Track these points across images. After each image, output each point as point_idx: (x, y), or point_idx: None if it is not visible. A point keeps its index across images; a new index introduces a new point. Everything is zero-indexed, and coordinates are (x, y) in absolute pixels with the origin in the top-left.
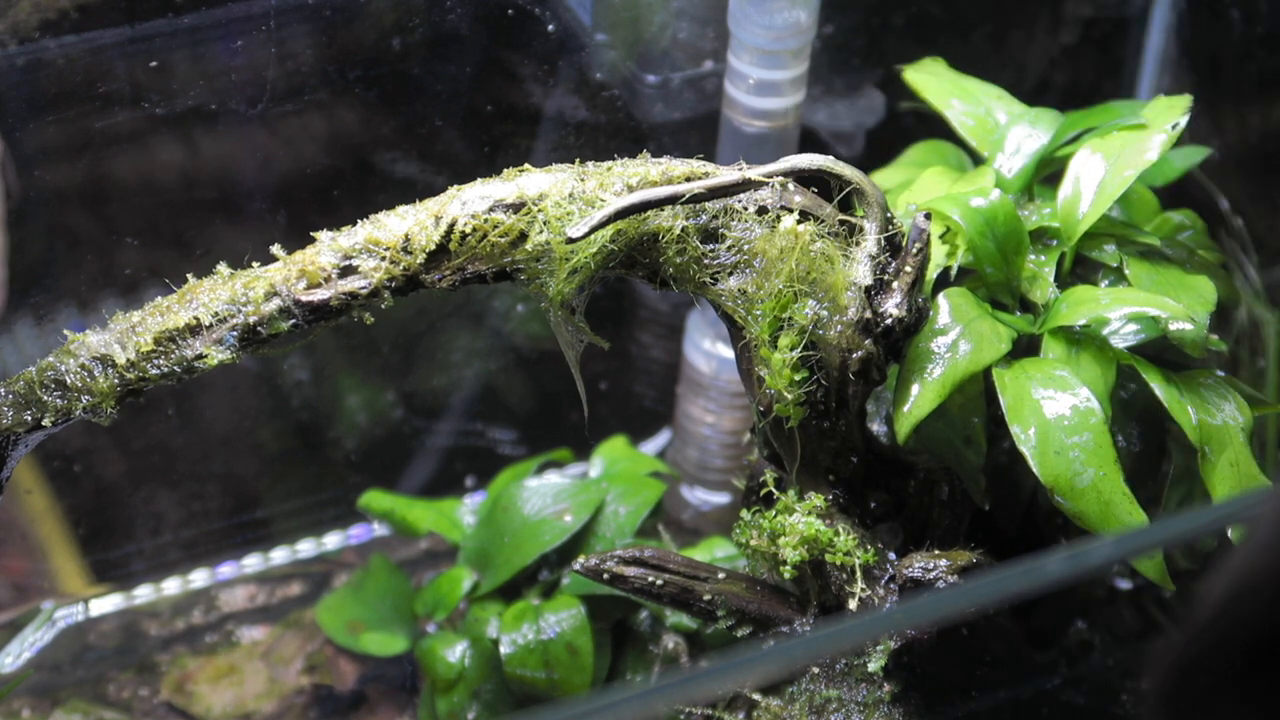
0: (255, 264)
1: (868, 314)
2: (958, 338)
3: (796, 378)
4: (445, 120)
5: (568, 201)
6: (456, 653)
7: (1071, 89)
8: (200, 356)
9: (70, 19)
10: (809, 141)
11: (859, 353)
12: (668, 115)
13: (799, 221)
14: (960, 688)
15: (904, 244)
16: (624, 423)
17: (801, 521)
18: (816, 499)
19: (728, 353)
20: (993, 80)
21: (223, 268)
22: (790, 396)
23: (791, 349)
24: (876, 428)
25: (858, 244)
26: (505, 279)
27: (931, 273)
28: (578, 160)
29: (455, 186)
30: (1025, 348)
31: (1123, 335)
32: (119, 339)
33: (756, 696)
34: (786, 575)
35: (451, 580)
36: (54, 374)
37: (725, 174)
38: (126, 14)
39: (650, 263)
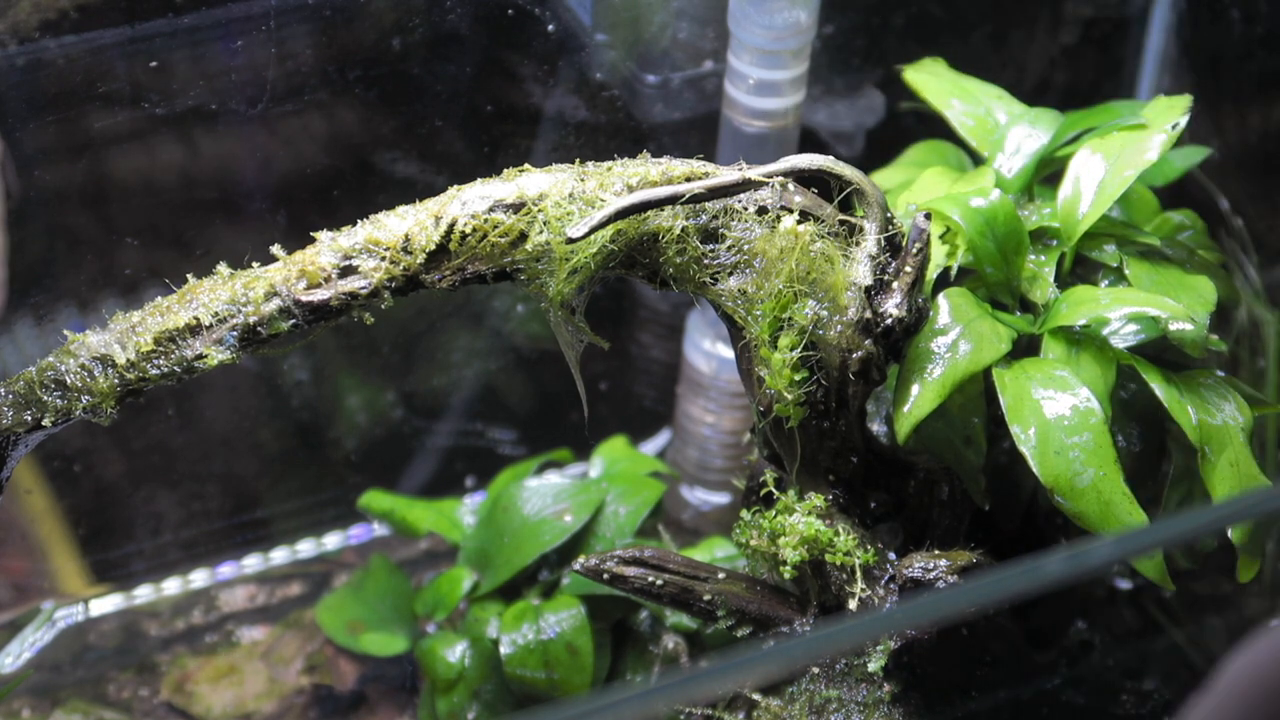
0: (255, 264)
1: (868, 314)
2: (958, 338)
3: (796, 378)
4: (445, 120)
5: (568, 201)
6: (456, 653)
7: (1071, 89)
8: (200, 356)
9: (70, 19)
10: (809, 141)
11: (859, 353)
12: (668, 115)
13: (799, 221)
14: (960, 688)
15: (904, 244)
16: (624, 423)
17: (801, 521)
18: (816, 499)
19: (728, 353)
20: (993, 80)
21: (223, 268)
22: (790, 396)
23: (791, 349)
24: (876, 428)
25: (858, 244)
26: (505, 279)
27: (931, 273)
28: (578, 160)
29: (455, 186)
30: (1025, 348)
31: (1123, 335)
32: (119, 339)
33: (756, 696)
34: (786, 575)
35: (451, 580)
36: (54, 374)
37: (725, 174)
38: (126, 14)
39: (650, 263)
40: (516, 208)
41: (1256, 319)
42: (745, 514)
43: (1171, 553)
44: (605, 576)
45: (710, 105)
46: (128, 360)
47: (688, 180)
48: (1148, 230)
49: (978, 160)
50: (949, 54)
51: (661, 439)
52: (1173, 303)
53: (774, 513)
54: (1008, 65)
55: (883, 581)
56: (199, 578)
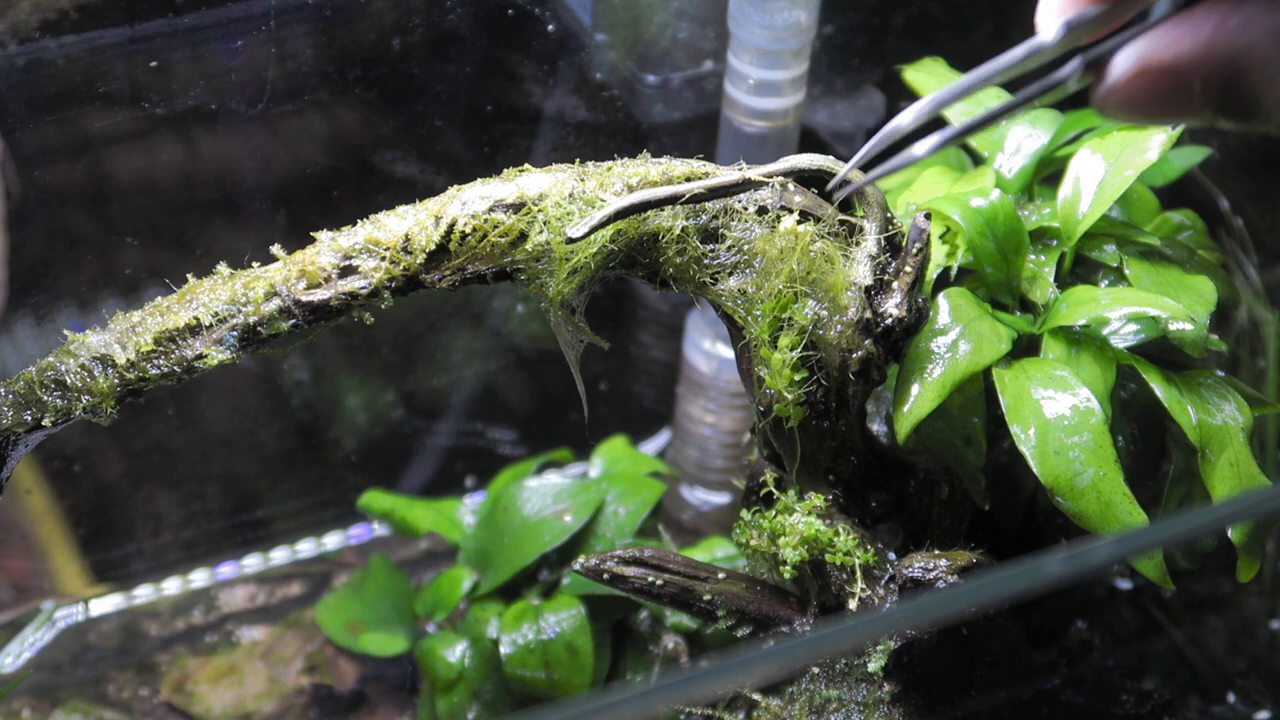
0: (255, 264)
1: (868, 314)
2: (958, 338)
3: (796, 378)
4: (445, 120)
5: (568, 201)
6: (456, 653)
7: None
8: (200, 356)
9: (70, 19)
10: (809, 141)
11: (859, 353)
12: (668, 115)
13: (799, 221)
14: (960, 688)
15: (904, 244)
16: (624, 423)
17: (801, 521)
18: (816, 499)
19: (728, 353)
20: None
21: (223, 268)
22: (790, 396)
23: (791, 349)
24: (876, 428)
25: (858, 244)
26: (505, 279)
27: (931, 273)
28: (578, 160)
29: (455, 186)
30: (1025, 348)
31: (1123, 335)
32: (119, 339)
33: (756, 696)
34: (786, 575)
35: (451, 580)
36: (54, 374)
37: (725, 174)
38: (126, 14)
39: (650, 263)
40: (516, 208)
41: (1256, 319)
42: (745, 514)
43: (1171, 553)
44: (605, 576)
45: (710, 105)
46: (128, 360)
47: (688, 180)
48: (1148, 230)
49: (978, 160)
50: (949, 54)
51: (661, 439)
52: (1173, 303)
53: (774, 513)
54: None
55: (883, 581)
56: (199, 578)
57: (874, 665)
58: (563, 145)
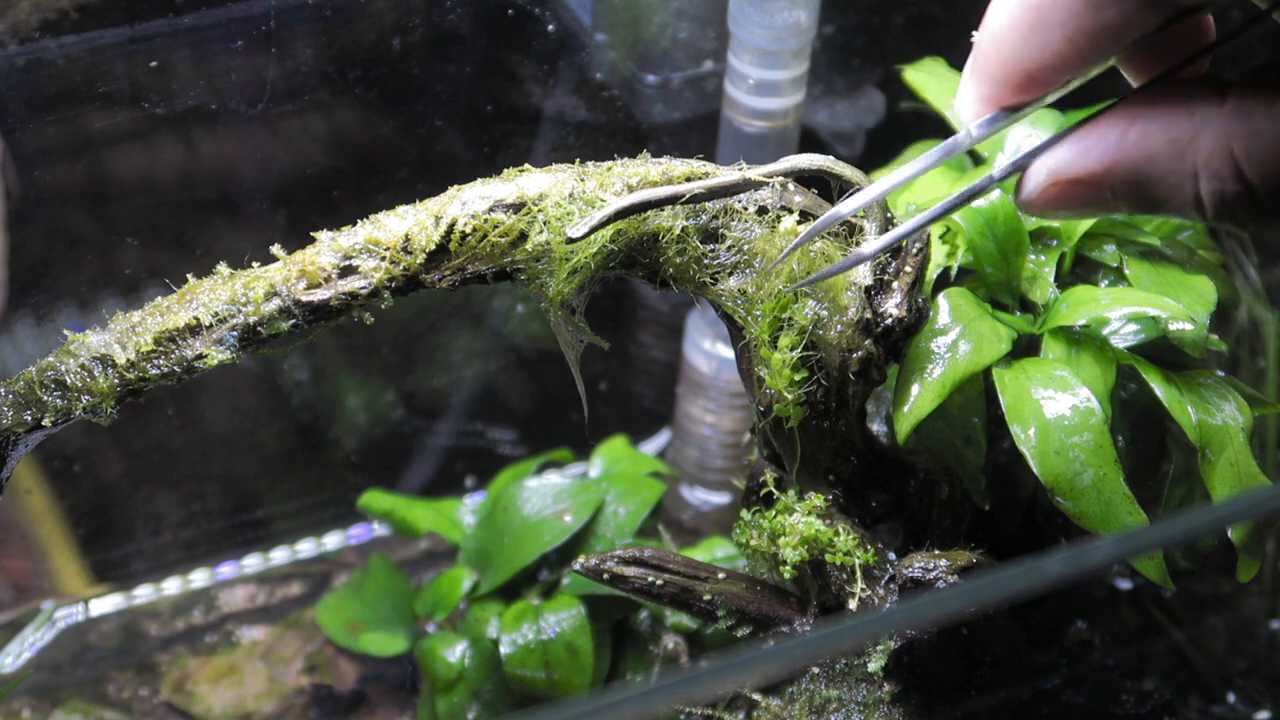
0: (255, 264)
1: (868, 314)
2: (958, 338)
3: (797, 378)
4: (445, 120)
5: (568, 201)
6: (456, 653)
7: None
8: (200, 356)
9: (70, 19)
10: (809, 141)
11: (859, 353)
12: (668, 115)
13: (799, 221)
14: (960, 688)
15: (904, 244)
16: (624, 423)
17: (801, 521)
18: (816, 499)
19: (728, 353)
20: None
21: (223, 268)
22: (790, 396)
23: (791, 349)
24: (876, 428)
25: (858, 244)
26: (505, 279)
27: (931, 273)
28: (578, 160)
29: (455, 186)
30: (1025, 348)
31: (1123, 335)
32: (119, 339)
33: (756, 696)
34: (786, 575)
35: (451, 580)
36: (54, 374)
37: (725, 174)
38: (126, 14)
39: (650, 263)
40: (516, 208)
41: (1256, 319)
42: (745, 514)
43: (1171, 553)
44: (605, 576)
45: (710, 105)
46: (128, 360)
47: (688, 180)
48: (1148, 230)
49: (978, 160)
50: (949, 54)
51: (661, 439)
52: (1173, 303)
53: (774, 513)
54: None
55: (883, 581)
56: (199, 578)
57: (874, 665)
58: (563, 145)
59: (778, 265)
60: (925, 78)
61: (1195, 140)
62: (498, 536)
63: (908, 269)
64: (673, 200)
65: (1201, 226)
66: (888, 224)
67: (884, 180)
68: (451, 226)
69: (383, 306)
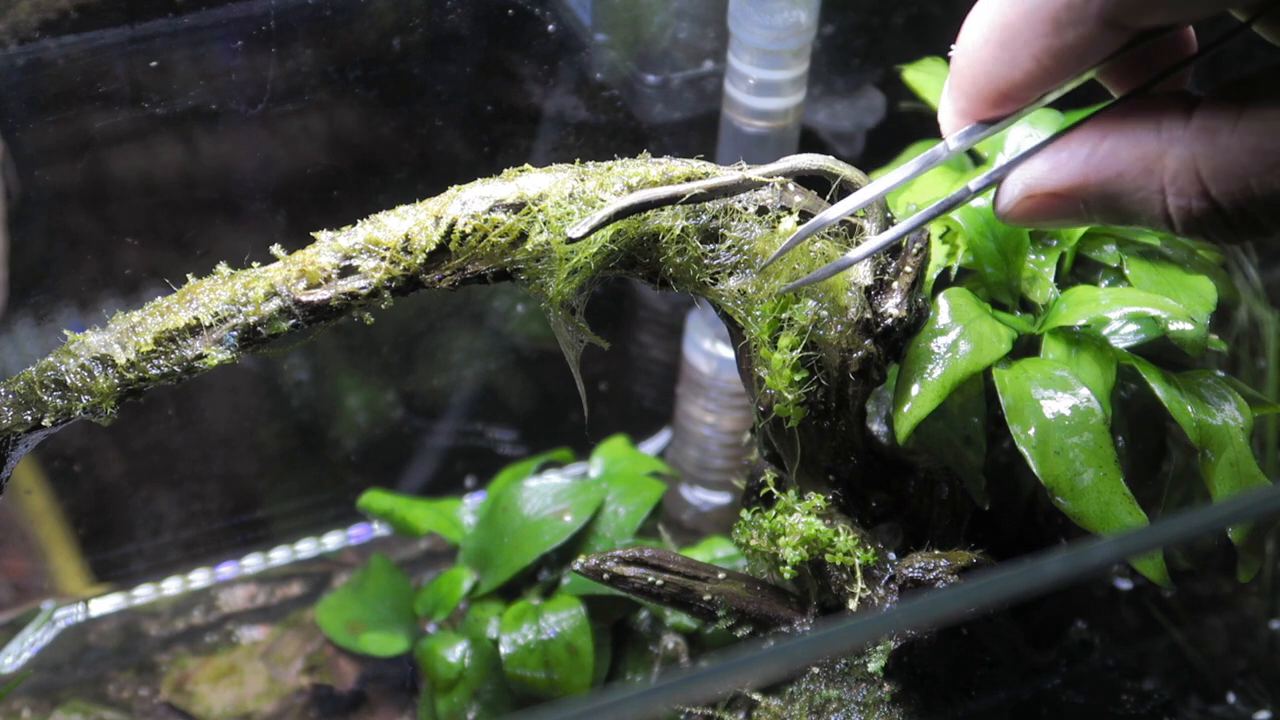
0: (255, 264)
1: (868, 314)
2: (958, 338)
3: (797, 378)
4: (445, 120)
5: (568, 201)
6: (456, 653)
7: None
8: (200, 356)
9: (70, 19)
10: (809, 141)
11: (859, 353)
12: (668, 115)
13: (799, 222)
14: (960, 688)
15: (904, 244)
16: (624, 423)
17: (801, 521)
18: (816, 499)
19: (728, 353)
20: None
21: (223, 268)
22: (790, 396)
23: (791, 349)
24: (876, 428)
25: (858, 244)
26: (505, 279)
27: (931, 273)
28: (578, 160)
29: (455, 186)
30: (1025, 348)
31: (1123, 335)
32: (119, 339)
33: (756, 696)
34: (786, 575)
35: (451, 580)
36: (54, 374)
37: (725, 174)
38: (126, 14)
39: (650, 263)
40: (516, 208)
41: (1256, 319)
42: (745, 514)
43: (1171, 553)
44: (605, 576)
45: (710, 105)
46: (128, 360)
47: (688, 180)
48: (1148, 230)
49: (978, 160)
50: (949, 54)
51: (661, 439)
52: (1173, 303)
53: (774, 513)
54: None
55: (883, 581)
56: (199, 578)
57: (874, 665)
58: (563, 145)
59: (771, 266)
60: (925, 78)
61: (1162, 157)
62: (498, 536)
63: (908, 269)
64: (673, 200)
65: None
66: (887, 224)
67: (871, 186)
68: (451, 226)
69: (383, 306)
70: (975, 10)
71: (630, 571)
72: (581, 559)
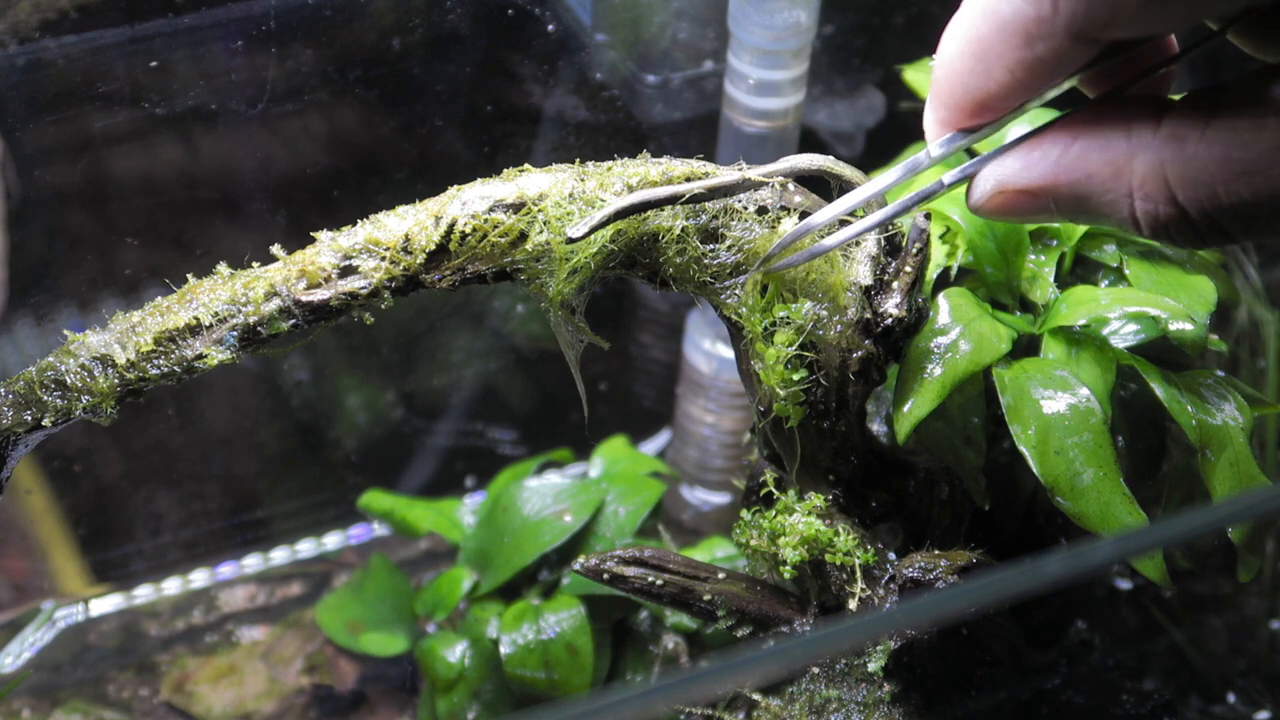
0: (255, 264)
1: (868, 314)
2: (958, 338)
3: (795, 377)
4: (445, 120)
5: (568, 201)
6: (456, 653)
7: (1072, 88)
8: (200, 356)
9: (70, 19)
10: (809, 141)
11: (859, 353)
12: (668, 115)
13: (800, 221)
14: (960, 688)
15: (904, 244)
16: (624, 423)
17: (801, 521)
18: (816, 499)
19: (728, 353)
20: None
21: (223, 268)
22: (783, 393)
23: (788, 345)
24: (876, 428)
25: (858, 244)
26: (505, 279)
27: (931, 273)
28: (578, 160)
29: (455, 186)
30: (1025, 348)
31: (1123, 335)
32: (119, 339)
33: (756, 696)
34: (786, 575)
35: (451, 580)
36: (54, 374)
37: (725, 174)
38: (126, 14)
39: (650, 263)
40: (516, 208)
41: (1256, 319)
42: (745, 514)
43: (1171, 553)
44: (605, 576)
45: (710, 105)
46: (128, 360)
47: (688, 180)
48: None
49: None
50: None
51: (661, 439)
52: (1173, 303)
53: (774, 513)
54: None
55: (883, 581)
56: (199, 578)
57: (874, 665)
58: (563, 145)
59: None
60: (925, 78)
61: (1131, 162)
62: (498, 536)
63: (907, 269)
64: (673, 200)
65: None
66: (888, 224)
67: (859, 191)
68: (451, 226)
69: (383, 306)
70: (952, 22)
71: (630, 571)
72: (581, 559)
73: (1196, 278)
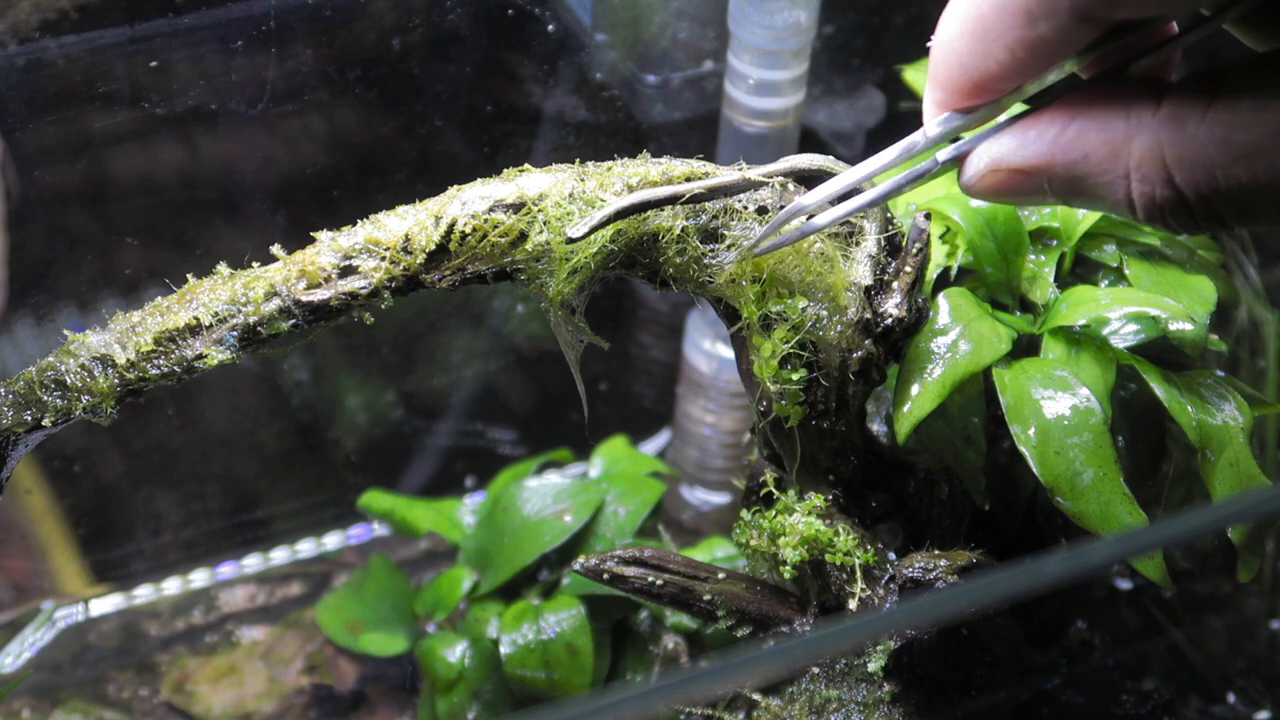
0: (255, 264)
1: (868, 314)
2: (958, 338)
3: (795, 377)
4: (445, 120)
5: (568, 201)
6: (456, 653)
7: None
8: (200, 356)
9: (70, 19)
10: (809, 141)
11: (859, 353)
12: (668, 115)
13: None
14: (960, 688)
15: (904, 244)
16: (624, 423)
17: (801, 521)
18: (816, 499)
19: (728, 353)
20: None
21: (223, 268)
22: (774, 389)
23: (784, 341)
24: (876, 428)
25: (858, 244)
26: (505, 279)
27: (931, 273)
28: (578, 160)
29: (455, 186)
30: (1025, 348)
31: (1123, 335)
32: (119, 339)
33: (756, 696)
34: (786, 575)
35: (451, 580)
36: (54, 374)
37: (725, 174)
38: (126, 14)
39: (650, 263)
40: (516, 208)
41: (1256, 319)
42: (745, 514)
43: (1171, 553)
44: (605, 576)
45: (710, 105)
46: (128, 360)
47: (688, 180)
48: (1148, 230)
49: None
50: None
51: (661, 439)
52: (1173, 303)
53: (774, 513)
54: None
55: (883, 581)
56: (199, 578)
57: (874, 665)
58: (563, 145)
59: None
60: (925, 77)
61: (1129, 142)
62: (498, 536)
63: (907, 269)
64: (673, 200)
65: None
66: (888, 224)
67: (852, 170)
68: (451, 226)
69: (383, 306)
70: (952, 2)
71: (630, 571)
72: (581, 559)
73: (1196, 278)
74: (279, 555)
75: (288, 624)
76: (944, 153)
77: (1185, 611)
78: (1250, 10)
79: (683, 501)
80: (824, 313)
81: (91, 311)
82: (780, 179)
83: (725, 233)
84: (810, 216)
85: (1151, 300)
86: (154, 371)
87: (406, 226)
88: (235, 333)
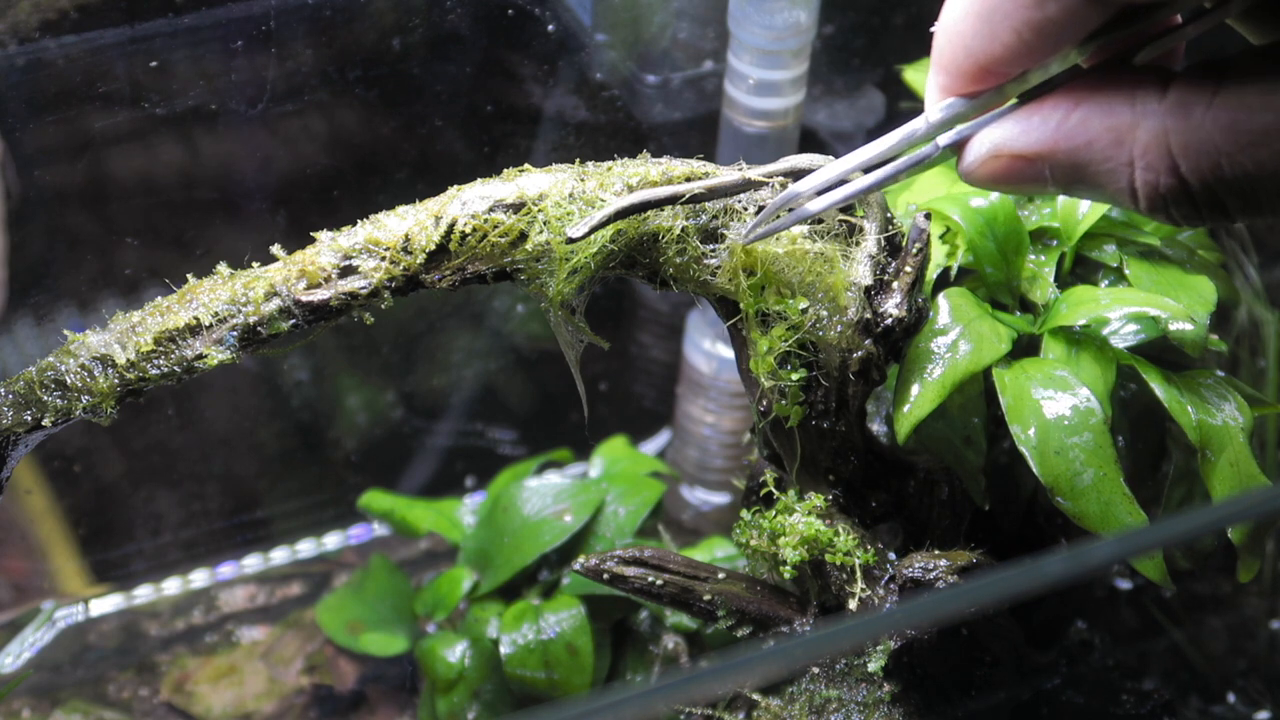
0: (255, 264)
1: (868, 314)
2: (958, 338)
3: (794, 377)
4: (445, 120)
5: (568, 201)
6: (456, 653)
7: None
8: (200, 356)
9: (70, 19)
10: (809, 141)
11: (859, 353)
12: (668, 115)
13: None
14: (960, 688)
15: (904, 244)
16: (624, 423)
17: (801, 521)
18: (816, 499)
19: (728, 353)
20: None
21: (223, 268)
22: (769, 384)
23: (782, 339)
24: (876, 428)
25: (857, 244)
26: (505, 279)
27: (931, 273)
28: (578, 160)
29: (455, 186)
30: (1025, 348)
31: (1123, 335)
32: (119, 339)
33: (756, 696)
34: (786, 575)
35: (451, 580)
36: (54, 374)
37: (725, 174)
38: (126, 14)
39: (650, 263)
40: (516, 208)
41: (1256, 319)
42: (745, 514)
43: (1171, 553)
44: (605, 576)
45: (710, 105)
46: (128, 360)
47: (688, 180)
48: (1148, 230)
49: None
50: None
51: (661, 439)
52: (1173, 303)
53: (774, 513)
54: None
55: (883, 581)
56: (199, 578)
57: (874, 665)
58: (563, 145)
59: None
60: (925, 77)
61: (1134, 129)
62: (498, 536)
63: (907, 269)
64: (673, 200)
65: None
66: (888, 224)
67: (850, 156)
68: (451, 226)
69: (383, 306)
70: None
71: (630, 571)
72: (581, 559)
73: (1196, 278)
74: (279, 555)
75: (288, 624)
76: (945, 137)
77: (1185, 611)
78: (1253, 4)
79: (683, 501)
80: (824, 313)
81: (91, 311)
82: (780, 179)
83: (725, 233)
84: (819, 193)
85: (1151, 300)
86: (154, 371)
87: (406, 226)
88: (235, 333)
